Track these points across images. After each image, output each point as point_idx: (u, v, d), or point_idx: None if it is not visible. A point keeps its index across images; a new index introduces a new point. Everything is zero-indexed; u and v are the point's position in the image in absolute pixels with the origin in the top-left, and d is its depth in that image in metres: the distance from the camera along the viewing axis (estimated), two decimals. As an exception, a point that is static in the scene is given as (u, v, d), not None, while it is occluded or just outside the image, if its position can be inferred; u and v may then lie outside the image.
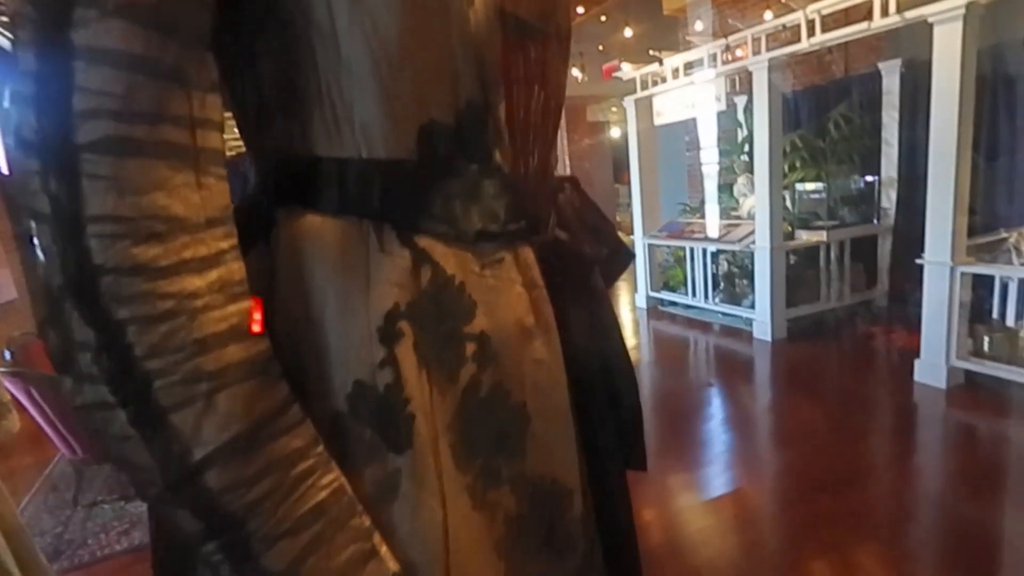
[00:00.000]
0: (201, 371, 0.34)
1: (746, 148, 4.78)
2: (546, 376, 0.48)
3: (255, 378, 0.36)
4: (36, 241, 0.33)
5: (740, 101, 5.09)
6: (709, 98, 4.31)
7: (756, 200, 3.94)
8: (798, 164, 4.47)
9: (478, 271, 0.45)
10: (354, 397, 0.40)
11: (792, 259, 4.16)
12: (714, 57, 4.01)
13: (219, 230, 0.36)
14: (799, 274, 4.18)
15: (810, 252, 4.19)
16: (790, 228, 4.13)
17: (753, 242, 3.96)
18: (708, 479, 2.36)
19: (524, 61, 0.46)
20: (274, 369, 0.37)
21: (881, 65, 4.17)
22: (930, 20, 2.71)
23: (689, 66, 4.31)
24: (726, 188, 4.99)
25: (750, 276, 4.19)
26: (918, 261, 2.97)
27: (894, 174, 4.22)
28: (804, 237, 4.14)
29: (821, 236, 4.06)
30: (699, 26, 4.89)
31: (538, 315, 0.49)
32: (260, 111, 0.44)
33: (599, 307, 0.53)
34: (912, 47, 3.91)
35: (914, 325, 3.18)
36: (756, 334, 4.06)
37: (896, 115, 4.14)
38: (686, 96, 4.51)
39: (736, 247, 4.21)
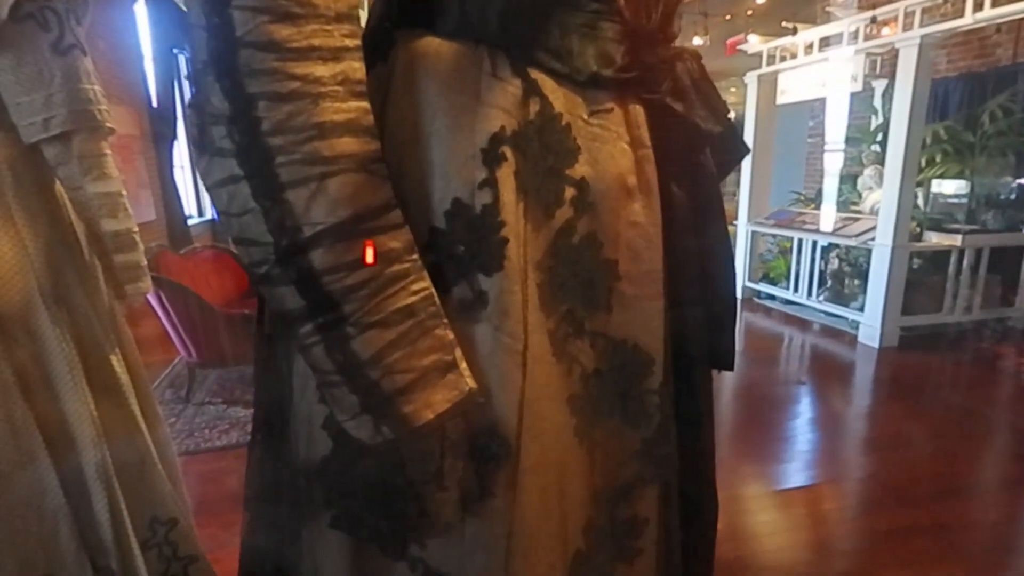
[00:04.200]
0: (317, 154, 0.36)
1: (878, 137, 4.36)
2: (642, 240, 0.47)
3: (364, 172, 0.37)
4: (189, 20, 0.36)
5: (879, 85, 4.63)
6: (844, 78, 3.94)
7: (883, 194, 3.59)
8: (938, 158, 4.01)
9: (585, 117, 0.44)
10: (452, 214, 0.41)
11: (916, 263, 3.77)
12: (855, 32, 3.65)
13: (346, 27, 0.37)
14: (922, 280, 3.78)
15: (938, 257, 3.79)
16: (918, 228, 3.74)
17: (872, 239, 3.63)
18: (784, 475, 2.23)
19: None
20: (381, 170, 0.39)
21: (1060, 52, 3.63)
22: None
23: (825, 41, 3.96)
24: (849, 179, 4.58)
25: (863, 276, 3.85)
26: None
27: (1056, 179, 3.70)
28: (934, 239, 3.74)
29: (955, 240, 3.65)
30: (843, -5, 4.47)
31: (641, 176, 0.47)
32: None
33: (705, 186, 0.50)
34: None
35: (1055, 350, 2.80)
36: (861, 338, 3.75)
37: (1070, 111, 3.61)
38: (818, 74, 4.15)
39: (852, 242, 3.87)
